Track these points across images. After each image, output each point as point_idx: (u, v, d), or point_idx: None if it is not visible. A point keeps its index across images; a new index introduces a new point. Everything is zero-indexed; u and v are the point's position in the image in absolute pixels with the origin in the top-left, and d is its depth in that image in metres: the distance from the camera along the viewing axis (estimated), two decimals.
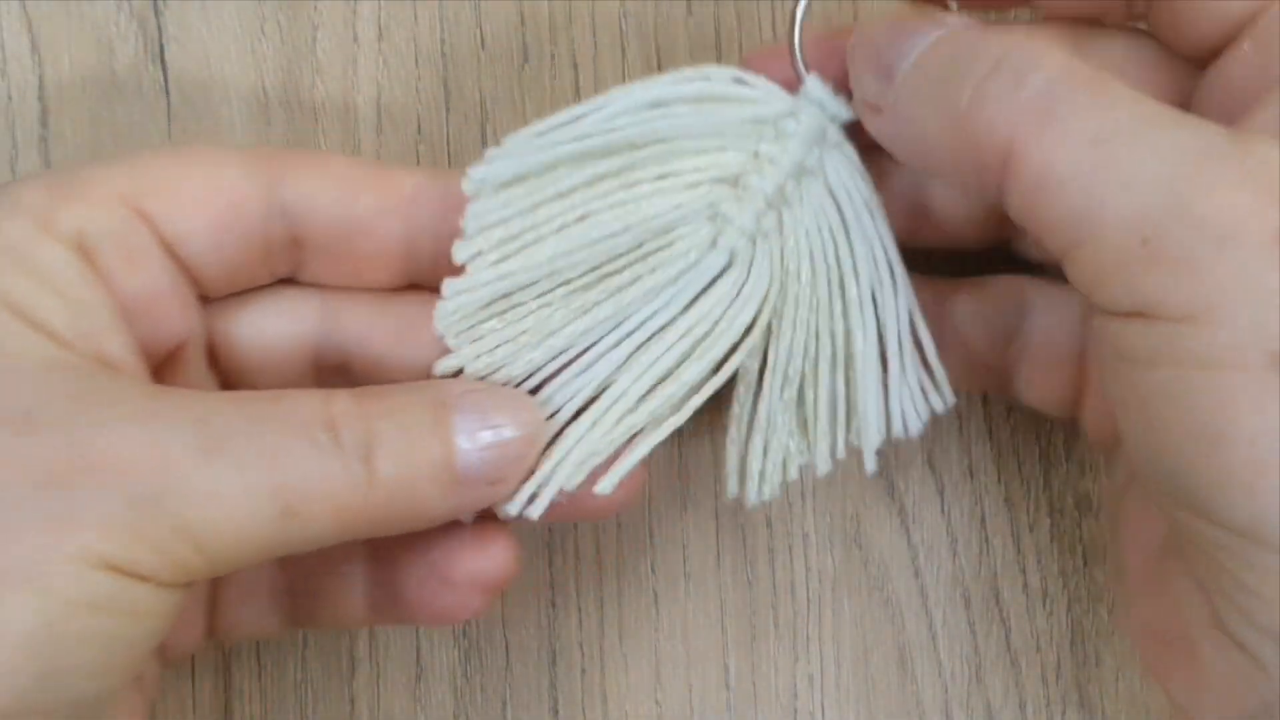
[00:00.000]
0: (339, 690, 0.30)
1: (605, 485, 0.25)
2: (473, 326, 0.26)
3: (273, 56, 0.30)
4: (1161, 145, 0.21)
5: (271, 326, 0.27)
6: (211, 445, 0.22)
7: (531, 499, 0.25)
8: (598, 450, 0.25)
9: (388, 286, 0.27)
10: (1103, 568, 0.31)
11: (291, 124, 0.30)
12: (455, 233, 0.26)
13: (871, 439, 0.26)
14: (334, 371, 0.27)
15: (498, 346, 0.26)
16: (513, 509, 0.25)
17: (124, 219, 0.24)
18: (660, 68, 0.30)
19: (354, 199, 0.26)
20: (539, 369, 0.26)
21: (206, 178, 0.25)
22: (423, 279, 0.27)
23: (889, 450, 0.31)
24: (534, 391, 0.26)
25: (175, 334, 0.25)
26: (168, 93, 0.30)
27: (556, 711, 0.31)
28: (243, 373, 0.27)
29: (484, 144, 0.30)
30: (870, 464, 0.26)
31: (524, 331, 0.26)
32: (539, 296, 0.26)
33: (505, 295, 0.26)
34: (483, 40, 0.30)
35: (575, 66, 0.30)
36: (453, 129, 0.30)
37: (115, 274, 0.24)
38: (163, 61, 0.30)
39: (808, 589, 0.31)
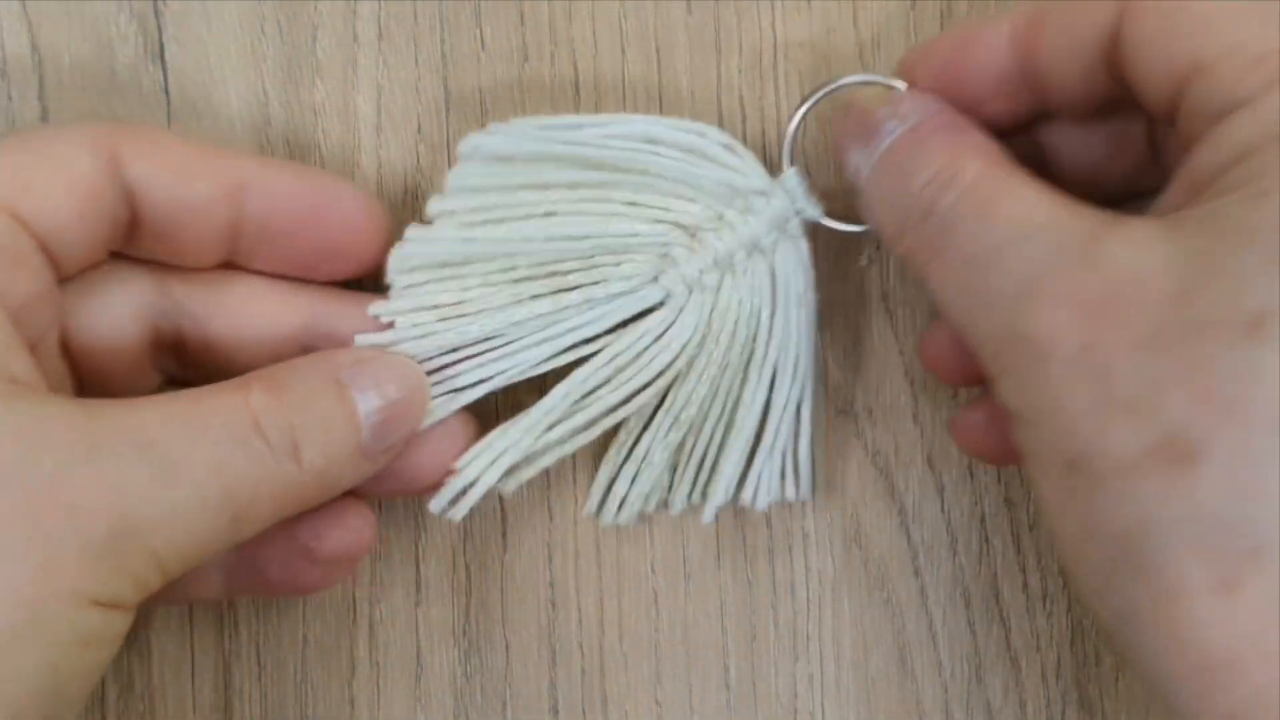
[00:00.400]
0: (339, 690, 0.30)
1: (509, 487, 0.28)
2: (423, 283, 0.27)
3: (273, 56, 0.30)
4: (1016, 262, 0.23)
5: (113, 304, 0.27)
6: (165, 471, 0.23)
7: (457, 498, 0.27)
8: (528, 459, 0.28)
9: (208, 265, 0.27)
10: None
11: (291, 124, 0.30)
12: (280, 220, 0.27)
13: (716, 497, 0.29)
14: (169, 348, 0.28)
15: (434, 306, 0.27)
16: (435, 507, 0.27)
17: (3, 225, 0.24)
18: (660, 68, 0.30)
19: (188, 184, 0.26)
20: (463, 345, 0.27)
21: (66, 170, 0.25)
22: (241, 261, 0.27)
23: (889, 450, 0.31)
24: (447, 367, 0.27)
25: (45, 327, 0.26)
26: (168, 93, 0.30)
27: (556, 711, 0.31)
28: (84, 352, 0.27)
29: None
30: (708, 516, 0.29)
31: (464, 301, 0.27)
32: (486, 275, 0.27)
33: (459, 263, 0.27)
34: (483, 40, 0.30)
35: (575, 66, 0.30)
36: (453, 129, 0.30)
37: (2, 284, 0.24)
38: (163, 61, 0.30)
39: (808, 589, 0.31)
